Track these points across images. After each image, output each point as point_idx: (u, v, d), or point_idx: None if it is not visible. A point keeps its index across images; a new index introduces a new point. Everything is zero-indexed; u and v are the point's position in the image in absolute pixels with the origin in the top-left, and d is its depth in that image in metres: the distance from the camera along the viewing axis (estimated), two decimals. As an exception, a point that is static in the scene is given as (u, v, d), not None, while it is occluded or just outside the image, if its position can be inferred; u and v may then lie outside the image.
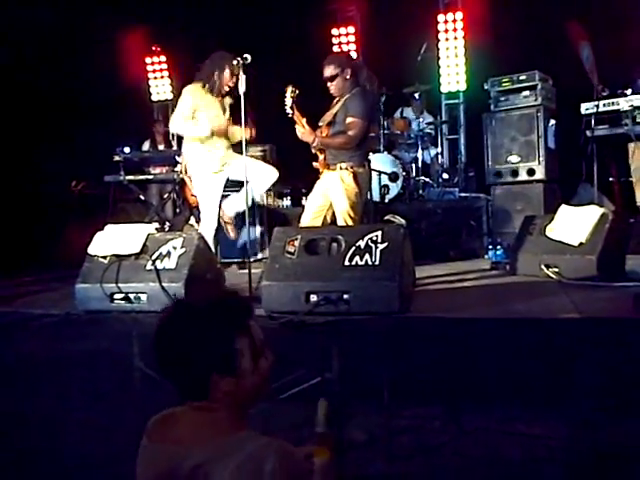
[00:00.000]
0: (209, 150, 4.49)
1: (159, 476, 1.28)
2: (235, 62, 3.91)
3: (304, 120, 4.17)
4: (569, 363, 2.74)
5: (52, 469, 2.98)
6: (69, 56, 6.95)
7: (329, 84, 4.24)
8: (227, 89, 4.49)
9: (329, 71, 4.21)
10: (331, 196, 4.20)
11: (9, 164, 6.49)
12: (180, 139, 5.20)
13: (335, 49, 8.03)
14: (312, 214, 4.27)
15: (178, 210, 6.33)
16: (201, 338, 1.32)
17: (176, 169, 5.64)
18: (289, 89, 4.09)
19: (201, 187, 4.55)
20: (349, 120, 4.12)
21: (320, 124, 4.31)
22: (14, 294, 4.36)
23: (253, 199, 4.67)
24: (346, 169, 4.13)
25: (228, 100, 4.59)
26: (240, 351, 1.34)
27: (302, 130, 4.15)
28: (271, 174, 4.61)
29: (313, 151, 4.26)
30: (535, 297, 3.60)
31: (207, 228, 4.47)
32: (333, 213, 4.26)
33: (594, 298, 3.39)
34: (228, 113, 4.58)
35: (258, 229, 5.73)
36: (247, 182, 4.09)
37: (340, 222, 4.15)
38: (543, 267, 3.97)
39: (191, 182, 4.68)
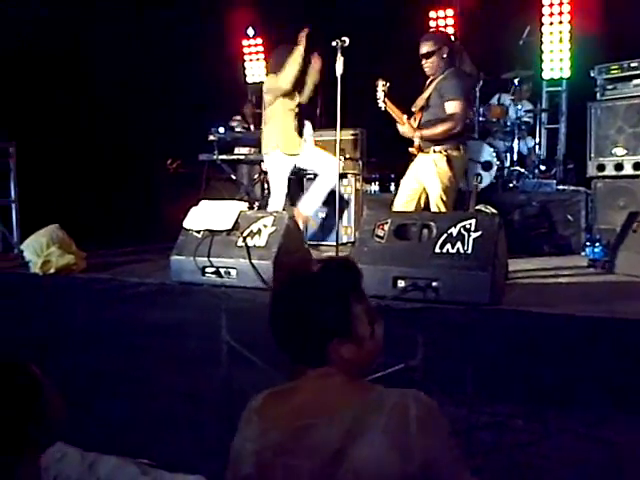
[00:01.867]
0: (289, 129, 4.64)
1: (295, 451, 1.24)
2: (333, 44, 3.88)
3: (405, 117, 4.09)
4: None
5: (137, 430, 3.13)
6: (171, 37, 7.19)
7: (424, 62, 4.13)
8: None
9: (426, 48, 4.11)
10: (424, 180, 4.12)
11: (114, 145, 6.84)
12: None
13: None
14: (405, 198, 4.20)
15: (266, 191, 6.44)
16: (319, 302, 1.30)
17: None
18: (380, 83, 4.04)
19: (271, 167, 4.73)
20: (449, 104, 4.00)
21: (413, 109, 4.22)
22: (113, 263, 4.59)
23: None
24: (440, 152, 4.04)
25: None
26: (357, 316, 1.31)
27: (403, 128, 4.08)
28: (335, 165, 4.66)
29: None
30: (636, 297, 3.40)
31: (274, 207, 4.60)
32: (427, 198, 4.17)
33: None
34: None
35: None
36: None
37: (432, 206, 4.07)
38: (647, 267, 3.75)
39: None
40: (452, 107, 4.00)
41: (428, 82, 4.21)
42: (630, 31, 6.01)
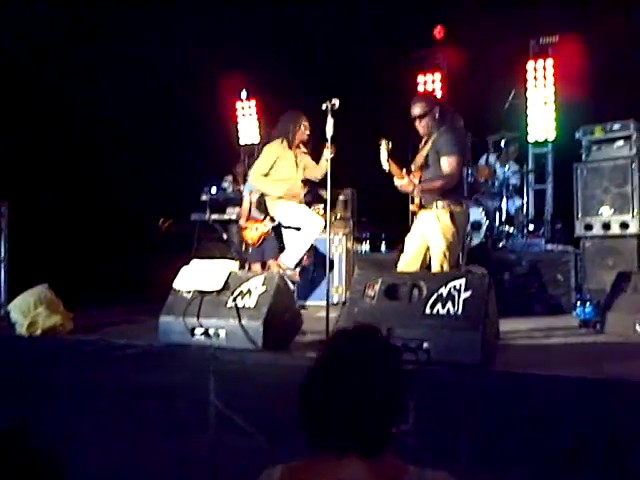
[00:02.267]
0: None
1: None
2: (324, 107, 3.95)
3: (404, 171, 4.08)
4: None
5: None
6: (166, 98, 7.35)
7: (417, 123, 4.16)
8: (303, 141, 4.81)
9: (418, 109, 4.13)
10: (427, 236, 4.05)
11: (105, 204, 6.88)
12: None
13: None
14: (410, 256, 4.11)
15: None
16: (378, 394, 1.24)
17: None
18: (383, 143, 4.00)
19: (284, 215, 4.80)
20: (444, 160, 4.00)
21: (412, 167, 4.23)
22: (102, 323, 4.54)
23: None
24: (442, 208, 3.98)
25: (300, 151, 4.83)
26: (408, 405, 1.34)
27: (401, 182, 4.04)
28: (317, 221, 4.77)
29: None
30: (628, 358, 3.38)
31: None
32: None
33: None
34: (301, 166, 4.84)
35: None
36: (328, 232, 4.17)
37: (434, 262, 3.98)
38: (638, 327, 3.73)
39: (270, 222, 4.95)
40: (446, 164, 3.99)
41: (424, 141, 4.22)
42: (613, 93, 6.21)
